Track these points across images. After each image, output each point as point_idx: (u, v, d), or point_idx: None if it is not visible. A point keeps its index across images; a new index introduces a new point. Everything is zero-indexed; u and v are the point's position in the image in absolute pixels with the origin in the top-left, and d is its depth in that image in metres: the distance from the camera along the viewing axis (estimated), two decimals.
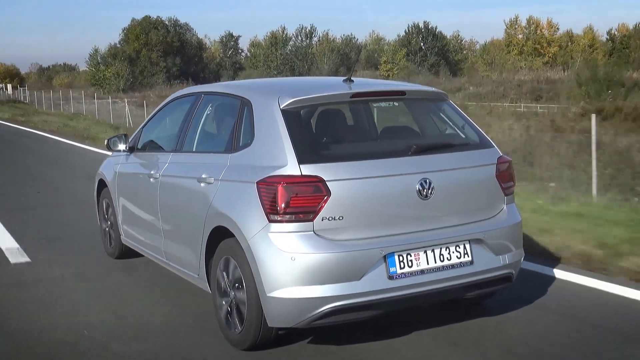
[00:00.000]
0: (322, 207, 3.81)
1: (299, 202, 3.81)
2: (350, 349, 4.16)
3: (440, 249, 4.04)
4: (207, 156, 4.74)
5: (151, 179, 5.29)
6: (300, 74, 75.08)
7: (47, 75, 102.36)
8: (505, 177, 4.39)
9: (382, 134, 4.73)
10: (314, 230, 3.81)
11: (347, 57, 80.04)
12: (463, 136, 4.52)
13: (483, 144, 4.46)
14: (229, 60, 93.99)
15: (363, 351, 4.12)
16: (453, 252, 4.07)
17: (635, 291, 5.03)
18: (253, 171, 4.03)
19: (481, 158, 4.37)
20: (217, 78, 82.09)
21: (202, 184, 4.49)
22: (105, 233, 6.61)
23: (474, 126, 4.57)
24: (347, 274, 3.80)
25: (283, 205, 3.79)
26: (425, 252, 3.99)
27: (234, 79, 77.35)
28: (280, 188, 3.80)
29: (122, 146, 5.91)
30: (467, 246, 4.12)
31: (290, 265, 3.79)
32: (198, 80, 75.52)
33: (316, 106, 4.37)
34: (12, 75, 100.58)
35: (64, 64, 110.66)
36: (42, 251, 6.82)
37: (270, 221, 3.84)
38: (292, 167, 3.85)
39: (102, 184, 6.61)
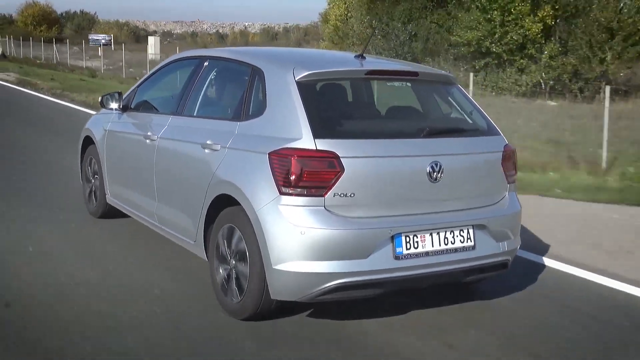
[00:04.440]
0: (334, 183, 3.80)
1: (312, 177, 3.79)
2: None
3: (445, 232, 4.08)
4: (212, 122, 4.66)
5: (147, 141, 5.19)
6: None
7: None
8: (509, 165, 4.45)
9: (390, 114, 4.72)
10: (324, 206, 3.80)
11: None
12: (471, 122, 4.56)
13: (490, 131, 4.50)
14: None
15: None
16: (457, 236, 4.12)
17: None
18: (265, 142, 3.99)
19: (489, 145, 4.41)
20: None
21: (206, 150, 4.43)
22: (89, 191, 6.48)
23: (482, 112, 4.60)
24: (354, 251, 3.81)
25: (296, 178, 3.77)
26: (431, 234, 4.03)
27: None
28: (294, 161, 3.78)
29: (114, 104, 5.78)
30: (471, 231, 4.17)
31: (298, 239, 3.78)
32: None
33: (330, 80, 4.35)
34: (50, 20, 69.99)
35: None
36: None
37: (282, 194, 3.82)
38: (307, 141, 3.82)
39: (87, 141, 6.45)
